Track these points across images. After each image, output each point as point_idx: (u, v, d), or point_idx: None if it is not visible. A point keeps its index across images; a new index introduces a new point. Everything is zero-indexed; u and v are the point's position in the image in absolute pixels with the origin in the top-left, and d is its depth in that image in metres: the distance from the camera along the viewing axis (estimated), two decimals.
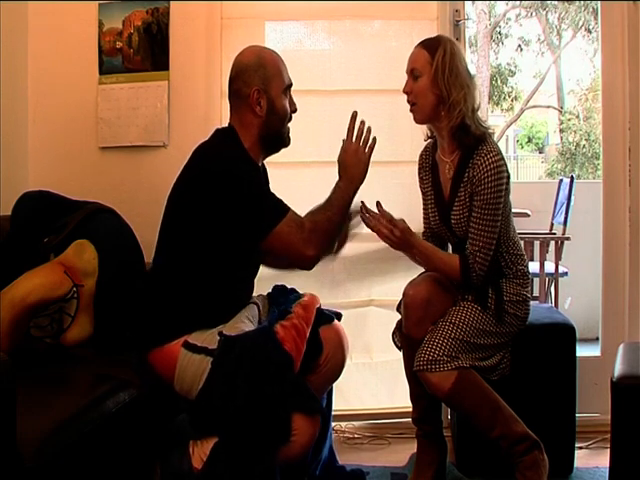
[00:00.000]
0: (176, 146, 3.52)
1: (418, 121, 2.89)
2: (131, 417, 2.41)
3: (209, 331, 2.49)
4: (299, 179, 3.60)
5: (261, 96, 2.59)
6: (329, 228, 2.58)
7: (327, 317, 2.68)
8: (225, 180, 2.48)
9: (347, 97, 3.58)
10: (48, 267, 2.79)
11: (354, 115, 2.69)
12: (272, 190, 2.64)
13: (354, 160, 2.65)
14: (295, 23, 3.69)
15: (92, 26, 3.62)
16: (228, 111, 2.73)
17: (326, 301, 3.54)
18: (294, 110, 2.70)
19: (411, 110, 2.85)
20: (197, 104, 3.56)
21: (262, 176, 2.71)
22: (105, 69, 3.63)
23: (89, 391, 2.38)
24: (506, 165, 2.77)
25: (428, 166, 2.99)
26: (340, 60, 3.64)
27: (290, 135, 2.72)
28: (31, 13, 3.61)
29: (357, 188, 2.65)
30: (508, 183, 2.79)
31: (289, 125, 2.70)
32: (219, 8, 3.55)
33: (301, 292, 2.75)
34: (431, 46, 2.80)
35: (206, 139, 2.68)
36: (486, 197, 2.73)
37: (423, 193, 3.04)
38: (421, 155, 3.05)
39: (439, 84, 2.75)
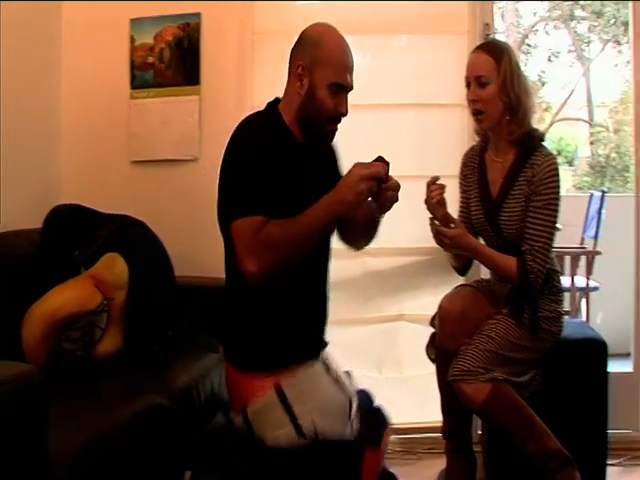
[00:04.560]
0: (207, 160, 3.53)
1: (485, 129, 2.85)
2: (161, 431, 2.41)
3: (298, 384, 2.23)
4: None
5: (304, 74, 2.31)
6: (282, 248, 2.13)
7: (377, 434, 2.31)
8: (232, 140, 2.29)
9: (377, 112, 3.59)
10: (79, 281, 2.81)
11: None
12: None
13: (354, 185, 2.13)
14: None
15: (124, 41, 3.67)
16: None
17: (357, 315, 3.58)
18: (340, 112, 2.34)
19: (477, 119, 2.81)
20: (228, 118, 3.48)
21: (281, 158, 2.26)
22: (137, 84, 3.67)
23: (121, 406, 2.35)
24: None
25: (474, 165, 2.95)
26: (370, 75, 3.64)
27: (334, 136, 2.42)
28: (64, 28, 3.66)
29: (340, 213, 2.15)
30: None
31: (337, 126, 2.38)
32: (250, 23, 3.58)
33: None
34: (495, 51, 2.77)
35: None
36: (548, 197, 2.70)
37: (464, 192, 3.00)
38: (466, 154, 3.02)
39: (508, 91, 2.72)
